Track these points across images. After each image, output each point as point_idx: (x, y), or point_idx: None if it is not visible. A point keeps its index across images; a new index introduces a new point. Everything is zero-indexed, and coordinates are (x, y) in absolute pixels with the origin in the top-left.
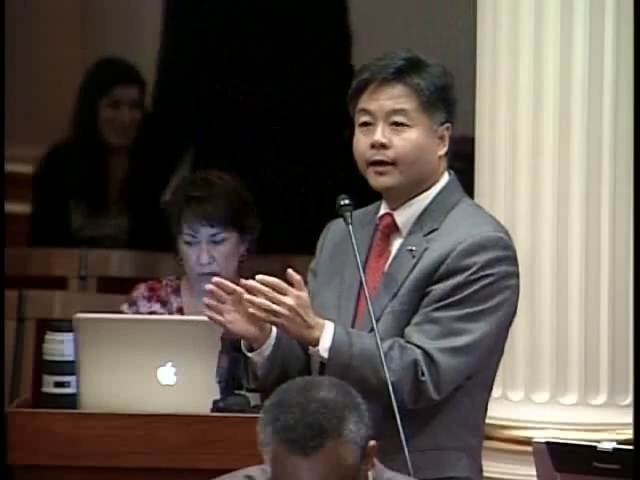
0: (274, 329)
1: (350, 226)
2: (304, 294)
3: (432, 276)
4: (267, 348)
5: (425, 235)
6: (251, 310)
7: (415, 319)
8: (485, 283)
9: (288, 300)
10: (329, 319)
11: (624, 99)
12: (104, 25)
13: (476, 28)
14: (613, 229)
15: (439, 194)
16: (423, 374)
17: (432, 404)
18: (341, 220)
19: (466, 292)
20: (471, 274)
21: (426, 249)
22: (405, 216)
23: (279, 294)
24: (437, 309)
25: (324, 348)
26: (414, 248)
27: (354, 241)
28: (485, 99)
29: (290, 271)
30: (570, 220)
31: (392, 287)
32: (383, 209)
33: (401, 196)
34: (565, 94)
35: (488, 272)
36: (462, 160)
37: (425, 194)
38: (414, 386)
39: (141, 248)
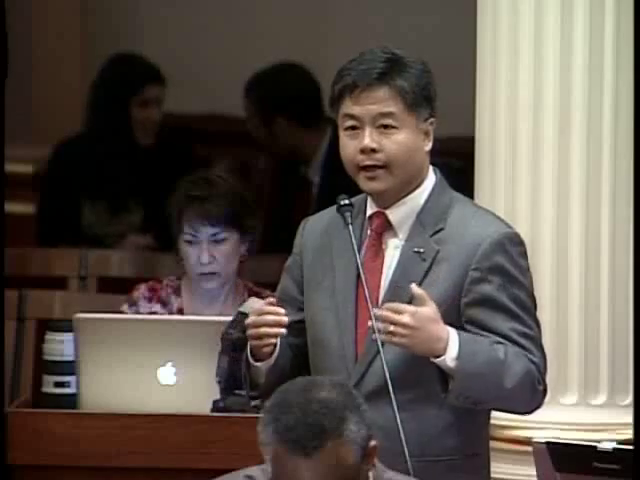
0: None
1: (350, 226)
2: (424, 309)
3: (462, 285)
4: (274, 356)
5: (431, 235)
6: (374, 337)
7: (494, 332)
8: (519, 285)
9: (404, 319)
10: (327, 322)
11: (624, 99)
12: (104, 24)
13: (476, 28)
14: (613, 229)
15: (432, 192)
16: (540, 383)
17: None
18: (317, 219)
19: (519, 294)
20: (505, 273)
21: (438, 252)
22: (399, 215)
23: (395, 314)
24: (521, 322)
25: (451, 357)
26: (422, 250)
27: (354, 241)
28: (485, 99)
29: (413, 285)
30: (570, 220)
31: (406, 291)
32: (371, 208)
33: (392, 196)
34: (565, 93)
35: (516, 272)
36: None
37: (417, 192)
38: (532, 394)
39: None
